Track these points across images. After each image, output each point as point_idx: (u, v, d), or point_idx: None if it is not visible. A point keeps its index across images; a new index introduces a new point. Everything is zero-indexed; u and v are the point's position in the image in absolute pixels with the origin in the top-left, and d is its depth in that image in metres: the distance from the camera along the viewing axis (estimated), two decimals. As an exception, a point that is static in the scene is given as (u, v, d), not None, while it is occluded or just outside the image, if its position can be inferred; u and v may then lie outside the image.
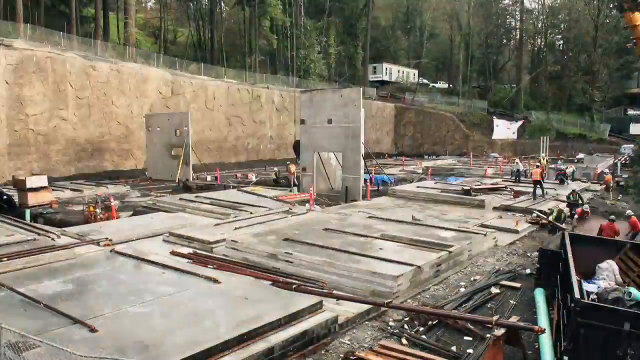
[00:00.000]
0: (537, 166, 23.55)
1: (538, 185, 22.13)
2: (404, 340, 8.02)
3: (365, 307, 8.93)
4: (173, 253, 12.57)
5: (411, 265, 10.75)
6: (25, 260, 11.30)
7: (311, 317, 8.13)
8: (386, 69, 75.28)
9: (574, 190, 19.88)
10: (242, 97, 45.69)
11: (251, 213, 18.03)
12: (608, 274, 8.63)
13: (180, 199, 21.91)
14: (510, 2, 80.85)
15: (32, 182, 20.12)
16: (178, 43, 68.07)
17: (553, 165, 35.34)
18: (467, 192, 22.44)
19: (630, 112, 65.48)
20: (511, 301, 9.95)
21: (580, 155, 47.00)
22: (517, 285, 10.80)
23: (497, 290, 10.50)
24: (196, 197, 22.19)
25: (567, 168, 30.94)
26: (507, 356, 6.96)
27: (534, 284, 10.65)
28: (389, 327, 8.54)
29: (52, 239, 13.47)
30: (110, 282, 10.05)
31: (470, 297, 10.07)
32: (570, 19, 69.06)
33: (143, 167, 34.87)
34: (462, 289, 10.56)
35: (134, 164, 35.91)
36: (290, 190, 25.22)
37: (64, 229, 15.39)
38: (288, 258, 11.70)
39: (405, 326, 8.59)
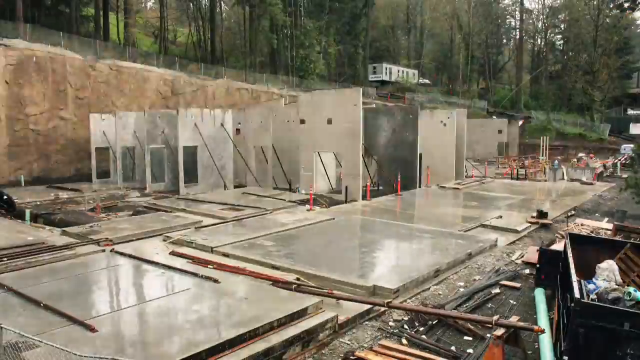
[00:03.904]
0: None
1: None
2: (404, 340, 8.02)
3: (366, 306, 8.93)
4: (173, 253, 12.58)
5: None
6: (25, 260, 11.31)
7: (311, 317, 8.13)
8: (386, 69, 75.34)
9: None
10: (242, 97, 45.72)
11: (251, 213, 18.04)
12: (608, 274, 8.61)
13: (179, 198, 21.94)
14: (510, 2, 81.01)
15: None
16: (178, 43, 68.14)
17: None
18: None
19: (630, 112, 65.59)
20: (511, 301, 9.95)
21: (581, 155, 47.00)
22: (517, 285, 10.81)
23: (497, 290, 10.50)
24: (196, 197, 22.21)
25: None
26: (506, 356, 6.95)
27: (534, 283, 10.66)
28: (389, 327, 8.54)
29: (52, 239, 13.47)
30: (110, 282, 10.06)
31: (470, 296, 10.07)
32: (571, 19, 69.16)
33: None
34: (462, 289, 10.56)
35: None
36: (293, 190, 25.21)
37: (64, 228, 15.40)
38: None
39: (405, 326, 8.59)
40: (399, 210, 19.61)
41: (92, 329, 7.31)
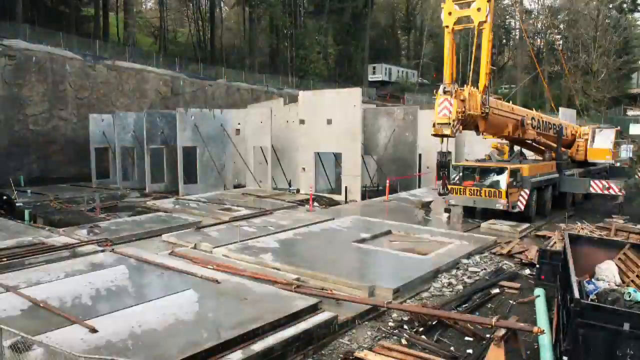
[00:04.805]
0: None
1: None
2: (403, 341, 8.02)
3: (365, 307, 8.93)
4: (172, 253, 12.57)
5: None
6: (24, 260, 11.30)
7: (311, 317, 8.13)
8: (386, 69, 75.27)
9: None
10: (242, 97, 45.72)
11: (250, 214, 18.04)
12: (608, 274, 8.62)
13: (178, 199, 21.94)
14: (510, 2, 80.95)
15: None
16: (178, 43, 68.10)
17: None
18: None
19: (630, 112, 65.63)
20: (511, 301, 9.95)
21: None
22: (517, 285, 10.81)
23: (497, 291, 10.50)
24: (195, 197, 22.22)
25: None
26: (507, 356, 6.94)
27: (534, 284, 10.67)
28: (388, 327, 8.54)
29: (52, 239, 13.47)
30: (109, 282, 10.05)
31: (469, 297, 10.07)
32: (570, 19, 69.15)
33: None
34: (462, 289, 10.56)
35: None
36: (290, 191, 25.23)
37: (63, 229, 15.39)
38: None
39: (405, 326, 8.59)
40: (399, 211, 19.57)
41: (92, 330, 7.30)
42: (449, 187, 16.55)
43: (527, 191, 16.37)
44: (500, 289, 10.61)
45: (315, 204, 21.22)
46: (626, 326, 5.84)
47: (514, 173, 16.21)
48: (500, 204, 16.07)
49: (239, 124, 29.28)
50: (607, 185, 17.97)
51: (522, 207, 16.30)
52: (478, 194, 16.57)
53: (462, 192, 16.87)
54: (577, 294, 6.34)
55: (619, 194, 17.97)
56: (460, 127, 15.32)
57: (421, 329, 8.48)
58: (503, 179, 16.13)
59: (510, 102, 19.51)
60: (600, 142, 21.68)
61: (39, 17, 42.02)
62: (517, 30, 79.04)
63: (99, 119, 31.87)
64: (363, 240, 14.08)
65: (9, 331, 6.00)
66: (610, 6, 61.45)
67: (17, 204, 20.33)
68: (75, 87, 33.01)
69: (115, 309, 8.34)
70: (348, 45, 70.31)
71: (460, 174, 17.10)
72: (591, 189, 18.33)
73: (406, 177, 25.59)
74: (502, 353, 6.56)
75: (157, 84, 38.83)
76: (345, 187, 23.38)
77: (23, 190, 25.69)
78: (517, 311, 9.39)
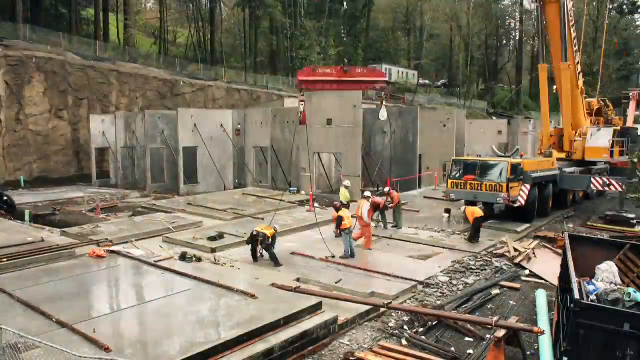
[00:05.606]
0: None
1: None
2: (403, 341, 8.02)
3: (365, 307, 8.93)
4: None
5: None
6: (25, 260, 11.30)
7: (311, 318, 8.13)
8: (386, 69, 75.20)
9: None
10: (242, 98, 45.70)
11: (250, 214, 18.02)
12: (607, 275, 8.61)
13: (178, 199, 21.92)
14: (510, 3, 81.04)
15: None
16: (177, 44, 68.12)
17: None
18: None
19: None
20: (511, 302, 9.95)
21: None
22: (517, 285, 10.81)
23: (497, 291, 10.50)
24: (195, 197, 22.20)
25: None
26: (507, 357, 6.96)
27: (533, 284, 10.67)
28: (388, 328, 8.54)
29: (52, 239, 13.46)
30: (109, 282, 10.06)
31: (470, 297, 10.06)
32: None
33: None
34: (462, 289, 10.55)
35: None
36: (290, 191, 25.19)
37: (63, 229, 15.38)
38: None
39: (405, 327, 8.59)
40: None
41: (91, 338, 7.18)
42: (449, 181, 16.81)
43: (528, 186, 16.30)
44: (500, 289, 10.60)
45: (315, 204, 21.18)
46: (626, 326, 5.84)
47: (514, 167, 16.16)
48: (501, 197, 16.00)
49: (239, 124, 29.27)
50: (607, 182, 17.86)
51: (523, 202, 16.21)
52: (479, 187, 16.50)
53: (463, 186, 16.79)
54: (577, 295, 6.34)
55: (620, 190, 17.90)
56: None
57: (421, 329, 8.48)
58: (504, 173, 16.07)
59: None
60: (597, 140, 21.46)
61: (38, 18, 42.01)
62: (517, 31, 78.98)
63: (99, 119, 31.88)
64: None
65: (8, 331, 6.00)
66: (610, 7, 61.46)
67: (17, 204, 20.31)
68: (75, 87, 33.00)
69: (115, 309, 8.34)
70: (347, 45, 70.26)
71: (461, 169, 17.04)
72: (592, 185, 18.22)
73: (406, 177, 25.59)
74: (502, 353, 6.56)
75: (157, 84, 38.82)
76: (345, 188, 23.32)
77: (23, 190, 25.68)
78: (517, 311, 9.39)
